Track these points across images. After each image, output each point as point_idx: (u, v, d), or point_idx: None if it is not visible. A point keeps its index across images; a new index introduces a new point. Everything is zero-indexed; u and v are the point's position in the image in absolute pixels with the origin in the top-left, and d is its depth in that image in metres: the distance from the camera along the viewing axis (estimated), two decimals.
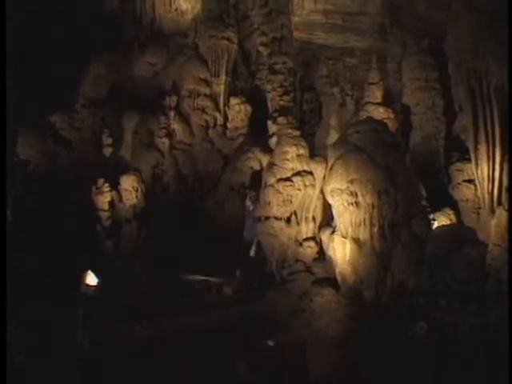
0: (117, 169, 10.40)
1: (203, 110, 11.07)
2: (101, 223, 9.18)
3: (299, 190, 6.77)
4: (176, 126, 10.87)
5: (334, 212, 6.45)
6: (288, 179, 6.80)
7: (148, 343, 5.83)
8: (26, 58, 10.03)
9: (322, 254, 6.86)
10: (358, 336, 5.79)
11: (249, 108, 11.03)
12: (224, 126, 11.17)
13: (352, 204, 6.08)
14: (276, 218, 6.87)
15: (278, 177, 6.87)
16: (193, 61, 11.19)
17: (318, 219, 7.03)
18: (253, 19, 11.75)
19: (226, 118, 11.19)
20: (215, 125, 11.17)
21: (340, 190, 6.10)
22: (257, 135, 11.08)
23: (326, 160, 6.94)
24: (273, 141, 10.37)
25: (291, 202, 6.79)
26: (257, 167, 10.42)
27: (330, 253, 6.36)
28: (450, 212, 8.34)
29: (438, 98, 8.62)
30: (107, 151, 9.92)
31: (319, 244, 6.87)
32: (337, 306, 6.15)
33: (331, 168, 6.24)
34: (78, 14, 11.83)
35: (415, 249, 6.22)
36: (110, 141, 9.86)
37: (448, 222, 8.10)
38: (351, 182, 6.04)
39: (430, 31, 11.97)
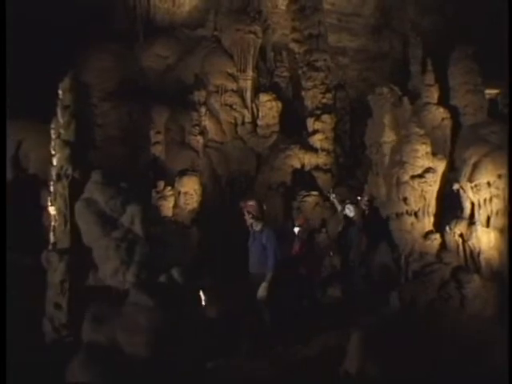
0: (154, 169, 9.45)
1: (231, 107, 10.53)
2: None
3: (430, 185, 7.04)
4: (207, 122, 10.20)
5: (467, 205, 6.90)
6: (420, 176, 7.04)
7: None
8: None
9: (443, 245, 7.25)
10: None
11: (280, 105, 10.75)
12: (253, 123, 10.77)
13: (496, 196, 6.63)
14: (407, 214, 7.08)
15: (411, 174, 7.06)
16: (218, 54, 10.55)
17: (434, 212, 7.40)
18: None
19: (253, 115, 10.82)
20: (243, 122, 10.70)
21: (488, 184, 6.59)
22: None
23: (446, 158, 7.37)
24: (315, 138, 10.39)
25: (425, 197, 7.06)
26: (297, 165, 10.29)
27: (471, 242, 6.79)
28: None
29: (484, 101, 9.58)
30: (156, 150, 8.90)
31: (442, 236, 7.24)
32: (484, 289, 6.63)
33: (476, 165, 6.67)
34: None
35: None
36: (159, 138, 8.86)
37: None
38: (499, 176, 6.56)
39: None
